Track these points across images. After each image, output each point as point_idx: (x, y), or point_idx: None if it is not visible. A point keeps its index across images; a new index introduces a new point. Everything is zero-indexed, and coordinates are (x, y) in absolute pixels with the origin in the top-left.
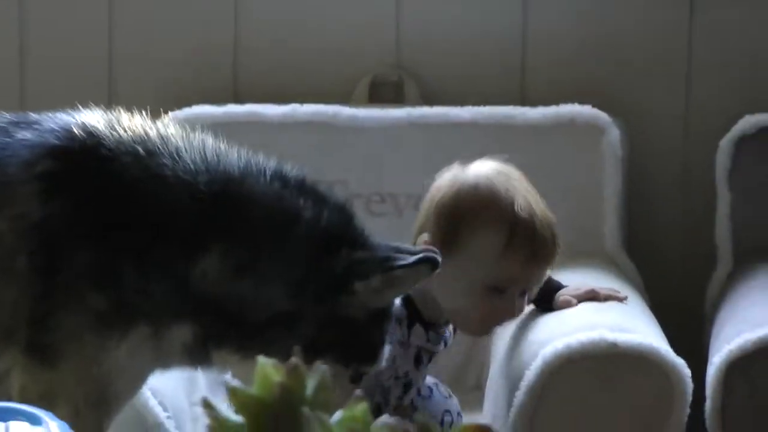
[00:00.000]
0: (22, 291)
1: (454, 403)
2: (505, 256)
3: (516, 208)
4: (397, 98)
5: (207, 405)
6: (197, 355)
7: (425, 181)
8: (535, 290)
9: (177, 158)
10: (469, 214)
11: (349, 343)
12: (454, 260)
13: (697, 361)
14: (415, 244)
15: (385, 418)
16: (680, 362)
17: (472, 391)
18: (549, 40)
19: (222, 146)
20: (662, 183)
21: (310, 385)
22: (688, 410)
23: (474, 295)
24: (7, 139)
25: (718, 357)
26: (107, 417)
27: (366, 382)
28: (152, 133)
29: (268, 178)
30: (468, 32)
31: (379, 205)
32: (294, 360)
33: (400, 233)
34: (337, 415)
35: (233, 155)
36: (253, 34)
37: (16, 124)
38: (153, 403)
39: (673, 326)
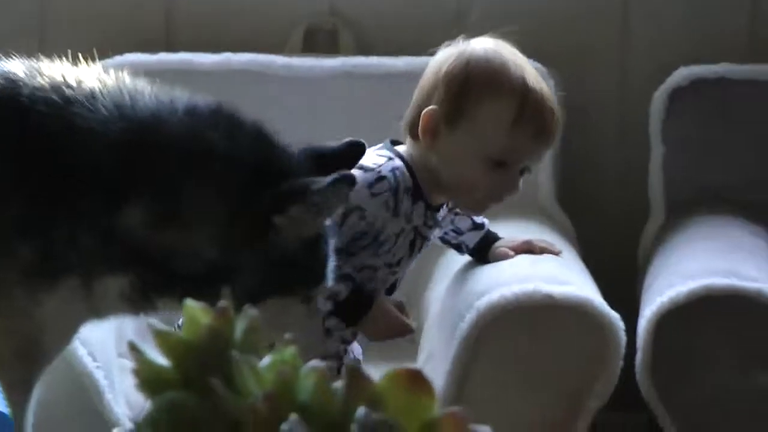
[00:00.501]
0: None
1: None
2: (514, 128)
3: (527, 81)
4: (331, 47)
5: (133, 348)
6: (140, 303)
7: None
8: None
9: (91, 106)
10: (481, 85)
11: (291, 275)
12: (462, 131)
13: (631, 313)
14: (418, 119)
15: (314, 362)
16: (614, 315)
17: (406, 344)
18: None
19: (138, 86)
20: (597, 134)
21: (239, 327)
22: (621, 362)
23: (480, 167)
24: None
25: (649, 309)
26: (37, 368)
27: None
28: (69, 79)
29: (181, 114)
30: None
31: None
32: (223, 302)
33: None
34: (267, 359)
35: (146, 95)
36: None
37: None
38: (82, 353)
39: (607, 278)
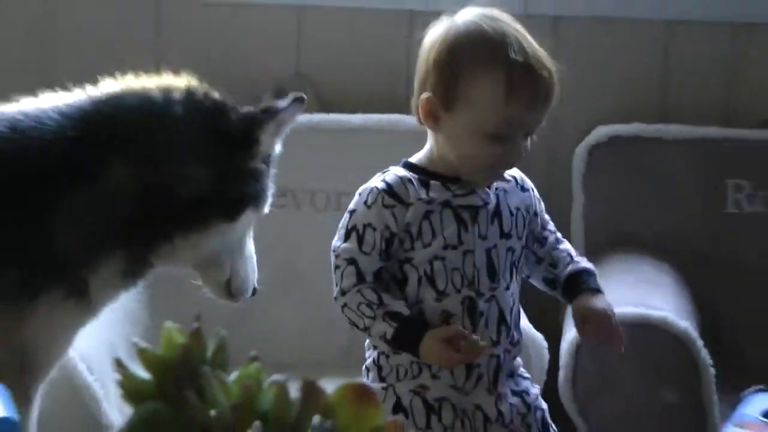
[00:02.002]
0: None
1: None
2: (507, 101)
3: (510, 51)
4: None
5: (119, 364)
6: (139, 272)
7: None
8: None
9: (37, 123)
10: (466, 67)
11: (259, 191)
12: (459, 113)
13: (554, 336)
14: (417, 106)
15: (276, 376)
16: (539, 336)
17: (361, 361)
18: None
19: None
20: None
21: (210, 346)
22: (544, 377)
23: (481, 144)
24: None
25: (570, 333)
26: (36, 380)
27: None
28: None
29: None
30: (361, 48)
31: (280, 198)
32: (196, 324)
33: (298, 223)
34: (234, 374)
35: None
36: (174, 44)
37: None
38: (81, 367)
39: (534, 308)
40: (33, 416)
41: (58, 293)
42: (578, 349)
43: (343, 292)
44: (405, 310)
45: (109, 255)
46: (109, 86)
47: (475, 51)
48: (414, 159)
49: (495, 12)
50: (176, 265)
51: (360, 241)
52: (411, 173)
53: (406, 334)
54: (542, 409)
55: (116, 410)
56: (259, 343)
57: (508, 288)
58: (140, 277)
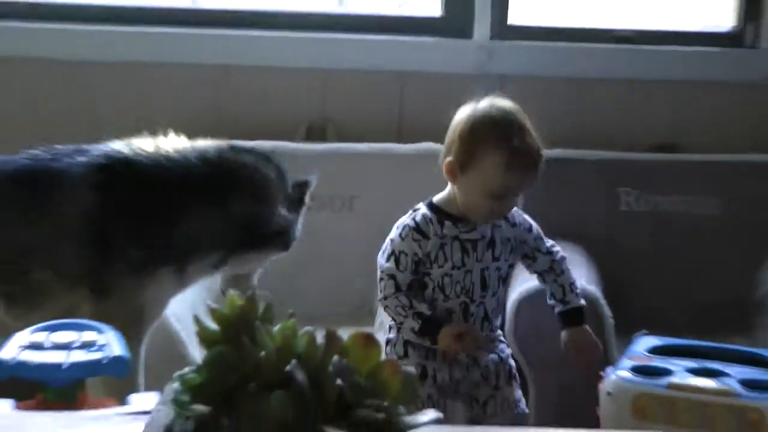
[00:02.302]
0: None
1: None
2: (506, 173)
3: (513, 138)
4: (322, 137)
5: (196, 319)
6: (220, 266)
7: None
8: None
9: (179, 157)
10: (479, 145)
11: (299, 232)
12: (470, 176)
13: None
14: (444, 164)
15: (307, 327)
16: None
17: (368, 315)
18: (420, 108)
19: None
20: None
21: (261, 307)
22: None
23: (484, 199)
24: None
25: (514, 294)
26: (144, 329)
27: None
28: (160, 147)
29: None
30: (367, 97)
31: (310, 202)
32: (250, 292)
33: (321, 220)
34: (277, 326)
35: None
36: (237, 96)
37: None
38: (173, 320)
39: None
40: (141, 355)
41: (169, 270)
42: (519, 307)
43: (385, 297)
44: (427, 311)
45: (210, 253)
46: (217, 141)
47: (487, 135)
48: (436, 199)
49: (507, 104)
50: (236, 270)
51: (397, 262)
52: (432, 213)
53: (428, 328)
54: (510, 365)
55: (196, 351)
56: (295, 303)
57: (494, 295)
58: (220, 270)
